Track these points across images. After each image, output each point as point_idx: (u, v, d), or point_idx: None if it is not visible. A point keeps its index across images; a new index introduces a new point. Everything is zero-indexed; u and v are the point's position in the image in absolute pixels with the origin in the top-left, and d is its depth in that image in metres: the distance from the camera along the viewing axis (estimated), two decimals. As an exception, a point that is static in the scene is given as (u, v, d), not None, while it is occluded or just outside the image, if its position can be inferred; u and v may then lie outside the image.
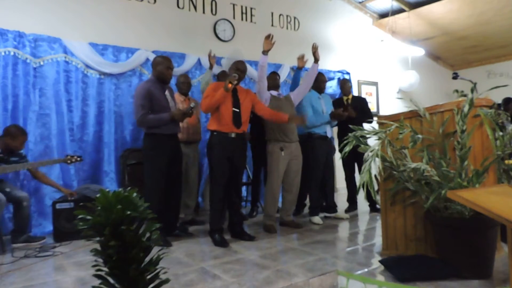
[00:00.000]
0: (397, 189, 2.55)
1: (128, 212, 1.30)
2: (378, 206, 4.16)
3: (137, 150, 4.01)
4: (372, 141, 2.46)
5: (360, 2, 6.68)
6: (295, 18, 5.87)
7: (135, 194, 1.37)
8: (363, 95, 6.51)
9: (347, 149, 2.52)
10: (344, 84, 4.57)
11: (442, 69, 8.28)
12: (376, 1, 6.56)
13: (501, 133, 2.39)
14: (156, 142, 3.08)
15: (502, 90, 2.70)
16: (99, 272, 1.34)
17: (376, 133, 2.45)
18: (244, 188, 4.71)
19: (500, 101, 4.72)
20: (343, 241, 3.16)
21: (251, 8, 5.40)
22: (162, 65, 3.12)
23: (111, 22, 4.28)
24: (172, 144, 3.16)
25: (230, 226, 3.32)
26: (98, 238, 1.32)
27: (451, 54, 7.90)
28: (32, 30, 3.74)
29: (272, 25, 5.63)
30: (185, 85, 3.90)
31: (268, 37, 3.43)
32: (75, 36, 4.01)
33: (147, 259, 1.37)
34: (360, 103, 4.50)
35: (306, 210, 4.35)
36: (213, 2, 5.05)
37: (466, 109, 2.28)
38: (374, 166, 2.35)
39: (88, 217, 1.31)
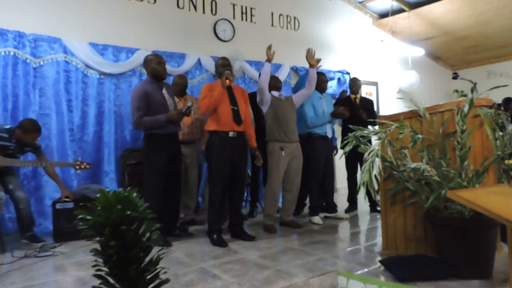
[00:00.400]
0: (397, 189, 2.55)
1: (128, 212, 1.30)
2: (378, 208, 4.15)
3: (137, 150, 4.01)
4: (373, 141, 2.46)
5: (360, 2, 6.68)
6: (295, 18, 5.87)
7: (135, 194, 1.37)
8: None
9: (347, 149, 2.52)
10: (355, 82, 4.56)
11: (442, 69, 8.28)
12: (376, 1, 6.56)
13: (501, 133, 2.39)
14: (156, 142, 3.08)
15: (502, 90, 2.70)
16: (99, 272, 1.34)
17: (376, 133, 2.45)
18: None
19: (500, 101, 4.72)
20: (343, 241, 3.16)
21: (251, 8, 5.40)
22: (153, 61, 3.12)
23: (111, 22, 4.28)
24: (171, 144, 3.15)
25: (231, 226, 3.32)
26: (98, 238, 1.32)
27: (451, 54, 7.90)
28: (32, 30, 3.74)
29: (272, 25, 5.63)
30: (178, 87, 3.85)
31: (270, 48, 3.48)
32: (75, 36, 4.01)
33: (147, 259, 1.37)
34: (368, 104, 4.53)
35: (306, 210, 4.35)
36: (213, 2, 5.05)
37: (466, 109, 2.28)
38: (375, 166, 2.35)
39: (88, 217, 1.31)
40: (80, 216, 1.32)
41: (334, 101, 4.66)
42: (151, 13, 4.56)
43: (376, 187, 2.75)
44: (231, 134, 3.15)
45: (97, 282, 1.34)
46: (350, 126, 2.64)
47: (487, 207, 1.83)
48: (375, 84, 6.90)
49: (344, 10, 6.53)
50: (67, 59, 3.91)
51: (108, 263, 1.32)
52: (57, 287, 2.22)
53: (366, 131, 2.49)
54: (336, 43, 6.36)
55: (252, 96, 3.81)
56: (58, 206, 3.31)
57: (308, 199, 4.17)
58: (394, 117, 2.62)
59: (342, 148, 2.65)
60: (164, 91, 3.18)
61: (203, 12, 4.97)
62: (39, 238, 3.25)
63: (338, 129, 4.96)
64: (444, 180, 2.26)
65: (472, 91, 2.37)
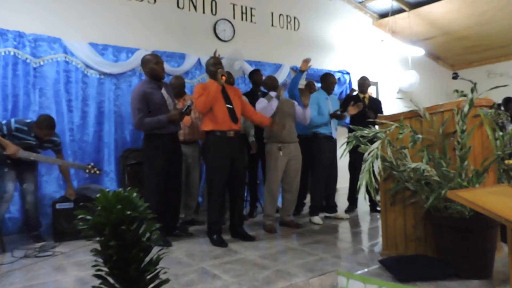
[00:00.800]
0: (397, 189, 2.55)
1: (128, 212, 1.30)
2: (378, 208, 4.15)
3: (137, 150, 4.01)
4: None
5: (360, 2, 6.68)
6: (295, 18, 5.87)
7: (135, 194, 1.37)
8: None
9: (347, 149, 2.52)
10: (364, 81, 4.55)
11: (442, 69, 8.28)
12: (376, 1, 6.56)
13: (501, 133, 2.39)
14: (156, 142, 3.07)
15: (502, 90, 2.70)
16: (99, 272, 1.34)
17: (376, 133, 2.45)
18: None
19: (500, 101, 4.72)
20: (343, 241, 3.16)
21: (251, 8, 5.40)
22: (151, 61, 3.11)
23: (111, 22, 4.28)
24: (172, 143, 3.15)
25: (231, 226, 3.32)
26: (98, 238, 1.32)
27: (451, 54, 7.90)
28: (32, 30, 3.74)
29: (272, 25, 5.63)
30: (176, 88, 3.80)
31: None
32: (75, 36, 4.01)
33: (147, 259, 1.37)
34: (376, 105, 4.53)
35: (305, 210, 4.35)
36: (213, 2, 5.05)
37: (466, 109, 2.28)
38: (375, 166, 2.35)
39: (88, 217, 1.31)
40: (80, 216, 1.32)
41: (339, 102, 4.65)
42: (151, 13, 4.56)
43: (376, 187, 2.75)
44: (230, 133, 3.14)
45: (97, 282, 1.34)
46: (351, 126, 2.64)
47: (487, 207, 1.83)
48: (375, 84, 6.90)
49: (344, 10, 6.53)
50: (67, 59, 3.91)
51: (108, 263, 1.32)
52: (57, 287, 2.22)
53: (366, 131, 2.50)
54: (336, 43, 6.35)
55: (247, 96, 3.82)
56: (58, 206, 3.31)
57: (307, 198, 4.17)
58: (394, 117, 2.62)
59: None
60: (163, 90, 3.17)
61: (203, 12, 4.97)
62: (41, 238, 3.26)
63: (340, 130, 4.95)
64: (444, 180, 2.26)
65: (472, 91, 2.37)
